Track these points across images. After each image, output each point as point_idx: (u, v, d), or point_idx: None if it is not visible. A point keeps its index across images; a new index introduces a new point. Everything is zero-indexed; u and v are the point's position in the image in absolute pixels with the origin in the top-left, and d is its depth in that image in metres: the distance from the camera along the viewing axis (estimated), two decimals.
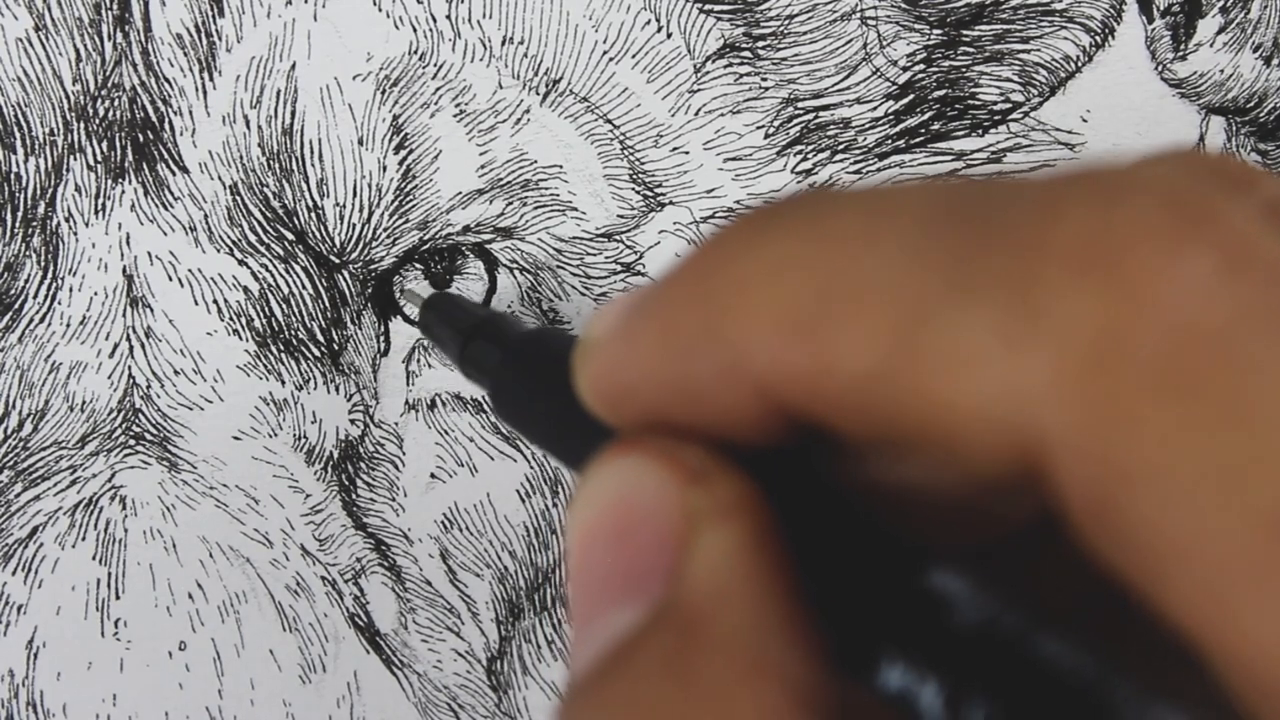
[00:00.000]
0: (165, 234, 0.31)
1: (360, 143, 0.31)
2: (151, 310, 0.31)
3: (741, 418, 0.14)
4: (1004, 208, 0.13)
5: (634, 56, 0.32)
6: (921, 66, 0.33)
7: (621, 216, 0.32)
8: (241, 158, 0.31)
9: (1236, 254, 0.12)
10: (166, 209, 0.31)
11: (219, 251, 0.31)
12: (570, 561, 0.15)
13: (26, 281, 0.31)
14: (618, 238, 0.33)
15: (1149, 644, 0.12)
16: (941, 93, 0.33)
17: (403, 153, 0.31)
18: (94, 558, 0.32)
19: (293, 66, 0.30)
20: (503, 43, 0.31)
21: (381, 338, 0.33)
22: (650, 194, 0.33)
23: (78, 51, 0.30)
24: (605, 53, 0.32)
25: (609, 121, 0.32)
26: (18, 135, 0.30)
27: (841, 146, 0.33)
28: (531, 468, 0.33)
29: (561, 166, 0.32)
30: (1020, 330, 0.12)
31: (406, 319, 0.33)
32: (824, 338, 0.13)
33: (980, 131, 0.33)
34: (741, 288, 0.14)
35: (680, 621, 0.13)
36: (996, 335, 0.12)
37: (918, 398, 0.13)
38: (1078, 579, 0.13)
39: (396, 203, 0.31)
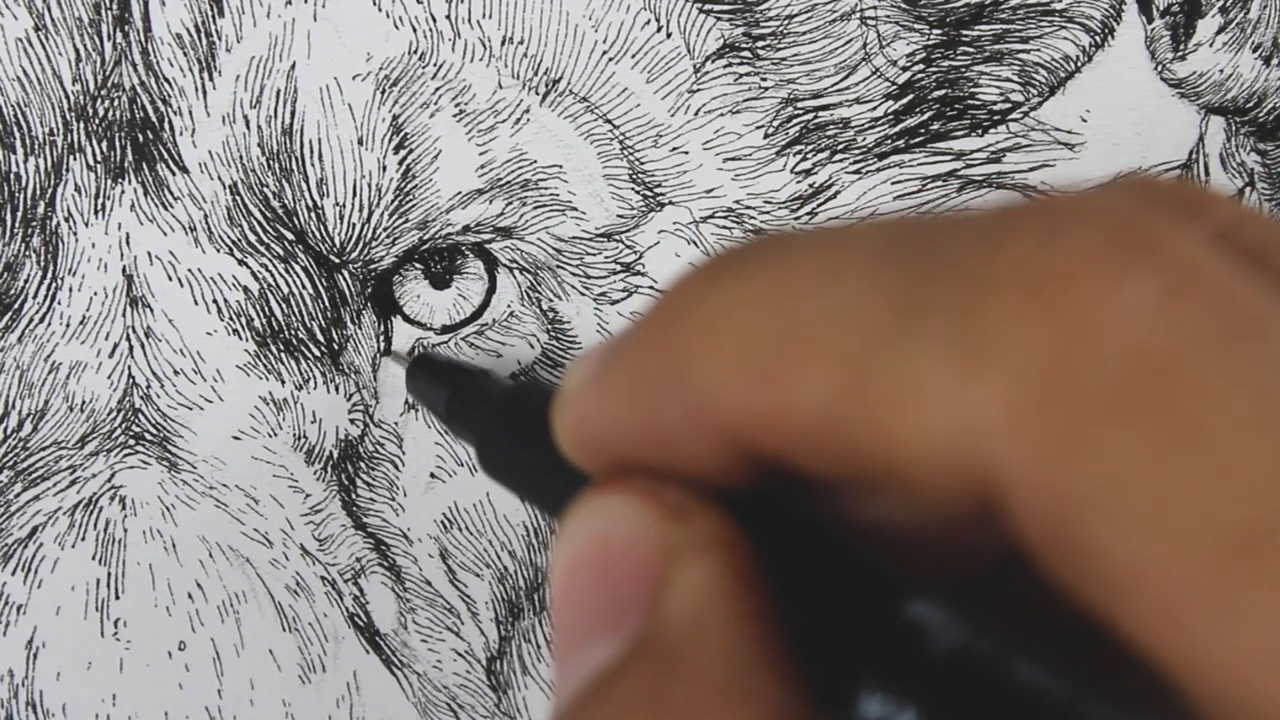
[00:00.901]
0: (165, 234, 0.31)
1: (360, 142, 0.31)
2: (151, 310, 0.31)
3: (712, 459, 0.14)
4: (949, 239, 0.13)
5: (634, 56, 0.32)
6: (921, 66, 0.33)
7: (621, 216, 0.32)
8: (241, 158, 0.31)
9: (1180, 279, 0.12)
10: (166, 209, 0.31)
11: (219, 251, 0.31)
12: (553, 595, 0.15)
13: (26, 281, 0.31)
14: (617, 237, 0.33)
15: (1125, 667, 0.12)
16: (941, 93, 0.33)
17: (402, 152, 0.31)
18: (94, 558, 0.32)
19: (292, 66, 0.31)
20: (502, 43, 0.31)
21: (381, 337, 0.33)
22: (650, 194, 0.33)
23: (77, 51, 0.30)
24: (605, 53, 0.32)
25: (609, 121, 0.32)
26: (17, 135, 0.30)
27: (841, 146, 0.33)
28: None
29: (561, 166, 0.32)
30: (968, 361, 0.12)
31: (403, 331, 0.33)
32: (781, 377, 0.13)
33: (980, 131, 0.33)
34: (702, 332, 0.14)
35: (659, 652, 0.13)
36: (944, 366, 0.12)
37: (871, 432, 0.13)
38: (1055, 606, 0.13)
39: (396, 202, 0.31)
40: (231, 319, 0.32)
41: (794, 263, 0.14)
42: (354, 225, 0.31)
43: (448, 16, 0.31)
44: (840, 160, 0.33)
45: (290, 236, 0.31)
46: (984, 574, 0.15)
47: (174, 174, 0.31)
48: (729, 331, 0.14)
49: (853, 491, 0.15)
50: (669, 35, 0.32)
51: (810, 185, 0.33)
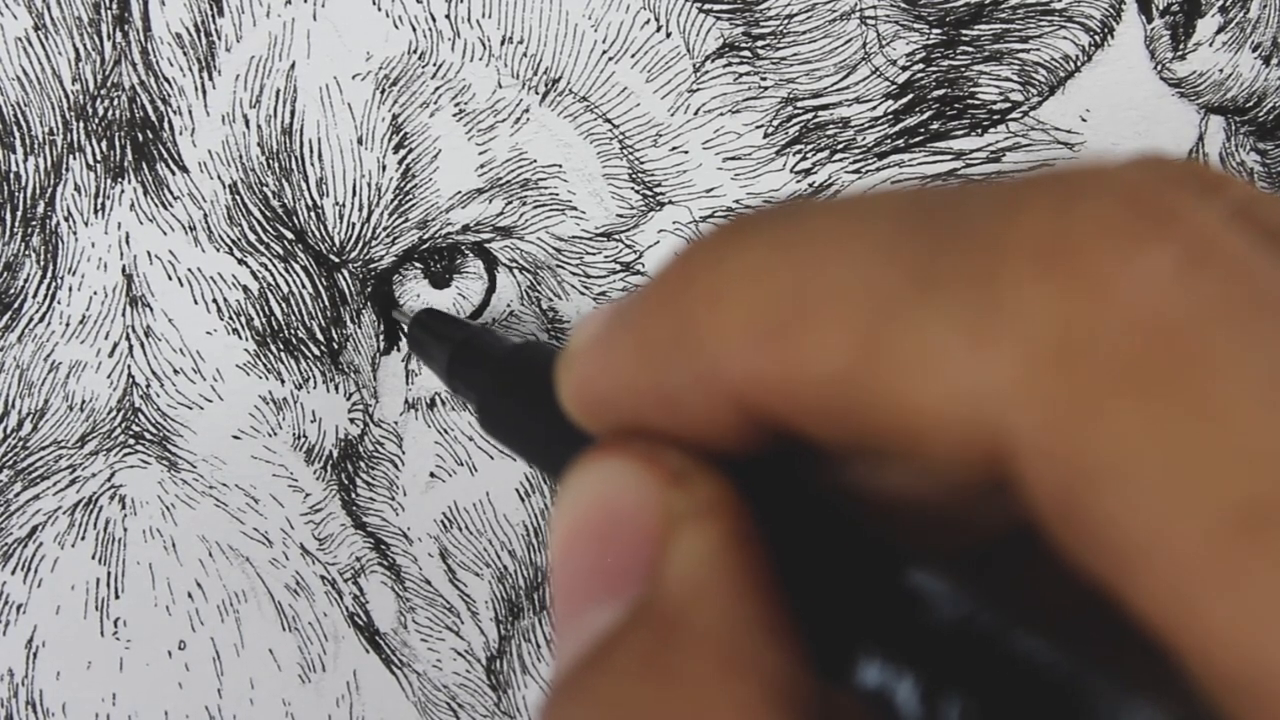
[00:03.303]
0: (165, 233, 0.31)
1: (360, 142, 0.31)
2: (151, 309, 0.31)
3: (719, 425, 0.14)
4: (966, 207, 0.13)
5: (633, 56, 0.32)
6: (921, 66, 0.33)
7: (621, 216, 0.33)
8: (241, 157, 0.31)
9: (1198, 250, 0.12)
10: (166, 208, 0.31)
11: (218, 251, 0.31)
12: (552, 561, 0.15)
13: (26, 281, 0.31)
14: (617, 237, 0.33)
15: (1133, 647, 0.12)
16: (941, 92, 0.33)
17: (402, 152, 0.31)
18: (93, 557, 0.32)
19: (292, 66, 0.31)
20: (502, 42, 0.31)
21: (381, 336, 0.33)
22: (649, 193, 0.33)
23: (77, 51, 0.30)
24: (605, 52, 0.32)
25: (608, 121, 0.32)
26: (17, 135, 0.30)
27: (840, 146, 0.33)
28: (531, 467, 0.33)
29: (561, 166, 0.32)
30: (983, 326, 0.12)
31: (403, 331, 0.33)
32: (793, 342, 0.13)
33: (979, 131, 0.33)
34: (714, 296, 0.14)
35: (658, 618, 0.13)
36: (960, 332, 0.12)
37: (884, 398, 0.13)
38: (1063, 583, 0.13)
39: (396, 202, 0.31)
40: (231, 318, 0.32)
41: (807, 229, 0.14)
42: (354, 225, 0.31)
43: (447, 16, 0.31)
44: (840, 160, 0.33)
45: (290, 236, 0.31)
46: (993, 550, 0.15)
47: (174, 173, 0.31)
48: (741, 295, 0.14)
49: (861, 460, 0.15)
50: (669, 35, 0.32)
51: (810, 185, 0.33)
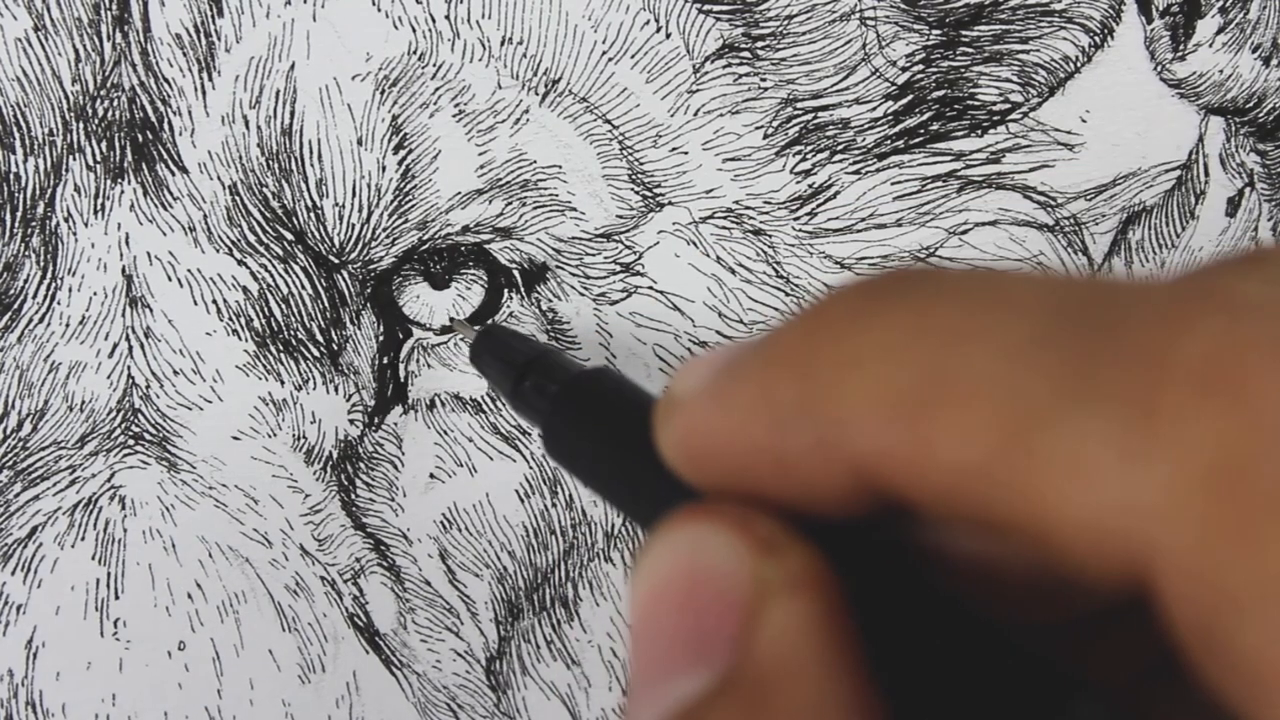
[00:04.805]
0: (164, 234, 0.31)
1: (359, 143, 0.31)
2: (151, 310, 0.31)
3: (831, 491, 0.14)
4: (1125, 316, 0.13)
5: (633, 57, 0.32)
6: (920, 67, 0.33)
7: (620, 216, 0.32)
8: (241, 158, 0.31)
9: None
10: (166, 209, 0.31)
11: (218, 251, 0.31)
12: (634, 622, 0.15)
13: (26, 281, 0.31)
14: (617, 238, 0.33)
15: None
16: (940, 93, 0.33)
17: (402, 153, 0.31)
18: (93, 557, 0.32)
19: (292, 67, 0.31)
20: (502, 43, 0.31)
21: (381, 337, 0.33)
22: (649, 194, 0.33)
23: (77, 51, 0.30)
24: (604, 53, 0.32)
25: (608, 121, 0.32)
26: (17, 135, 0.30)
27: (840, 147, 0.33)
28: (531, 468, 0.33)
29: (560, 166, 0.32)
30: (1139, 445, 0.12)
31: (406, 329, 0.33)
32: (928, 426, 0.13)
33: (979, 132, 0.33)
34: (845, 367, 0.14)
35: (748, 691, 0.13)
36: (1114, 448, 0.12)
37: (1026, 499, 0.13)
38: (1201, 707, 0.13)
39: (396, 203, 0.31)
40: (231, 319, 0.32)
41: (953, 303, 0.13)
42: (353, 225, 0.31)
43: (447, 17, 0.31)
44: (840, 161, 0.33)
45: (290, 237, 0.31)
46: (1079, 623, 0.15)
47: (173, 174, 0.31)
48: (877, 368, 0.13)
49: (964, 530, 0.15)
50: (668, 35, 0.32)
51: (810, 185, 0.33)
